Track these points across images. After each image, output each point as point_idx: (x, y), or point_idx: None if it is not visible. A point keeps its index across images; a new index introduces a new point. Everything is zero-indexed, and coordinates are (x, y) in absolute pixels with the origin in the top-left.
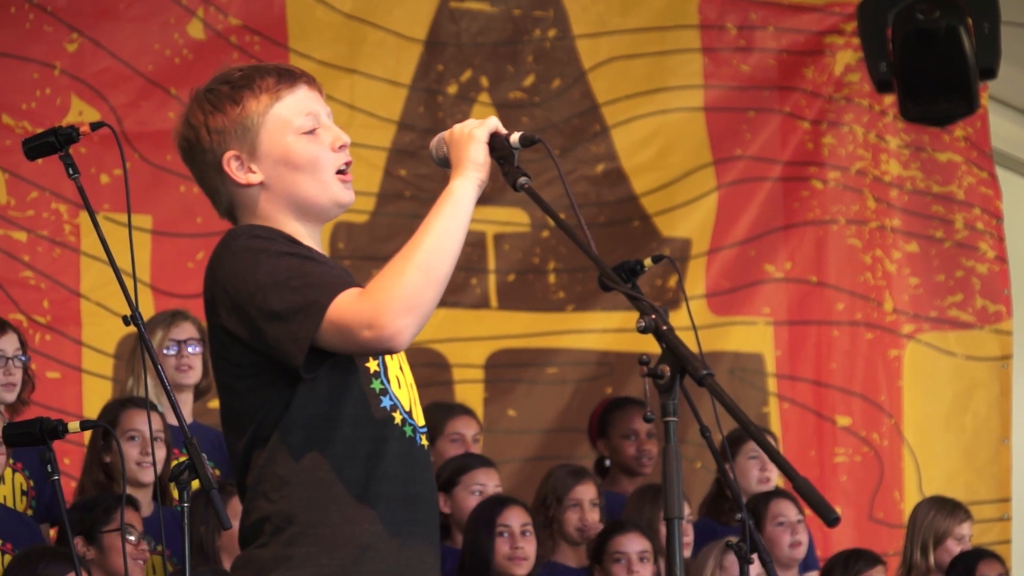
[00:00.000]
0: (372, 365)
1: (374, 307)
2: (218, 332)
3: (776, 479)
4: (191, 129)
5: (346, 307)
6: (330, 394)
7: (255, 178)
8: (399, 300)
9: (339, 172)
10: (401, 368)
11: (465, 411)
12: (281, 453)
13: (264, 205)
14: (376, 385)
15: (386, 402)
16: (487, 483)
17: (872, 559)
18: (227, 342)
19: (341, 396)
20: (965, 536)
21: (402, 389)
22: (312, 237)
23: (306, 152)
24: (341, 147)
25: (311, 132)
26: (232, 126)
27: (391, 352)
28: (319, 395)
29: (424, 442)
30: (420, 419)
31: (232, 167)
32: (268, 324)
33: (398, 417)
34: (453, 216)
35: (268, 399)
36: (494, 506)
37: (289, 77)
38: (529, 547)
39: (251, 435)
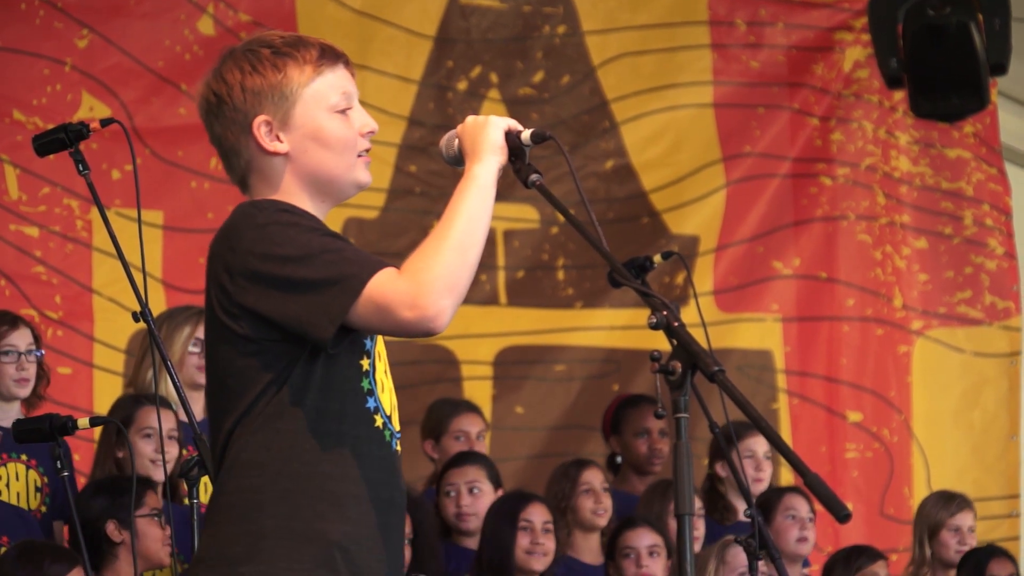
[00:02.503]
0: (364, 364)
1: (417, 287)
2: (230, 306)
3: (768, 480)
4: (224, 85)
5: (386, 285)
6: (323, 385)
7: (281, 147)
8: (441, 280)
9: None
10: (386, 372)
11: (470, 408)
12: (262, 438)
13: (285, 177)
14: (365, 384)
15: (371, 403)
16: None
17: (874, 555)
18: (239, 314)
19: (333, 390)
20: (962, 527)
21: (385, 393)
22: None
23: (338, 131)
24: (368, 133)
25: (344, 112)
26: (269, 90)
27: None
28: (312, 385)
29: (398, 448)
30: (397, 425)
31: (261, 132)
32: (298, 295)
33: (379, 420)
34: (479, 198)
35: (263, 381)
36: (517, 501)
37: (332, 54)
38: (549, 544)
39: (238, 415)
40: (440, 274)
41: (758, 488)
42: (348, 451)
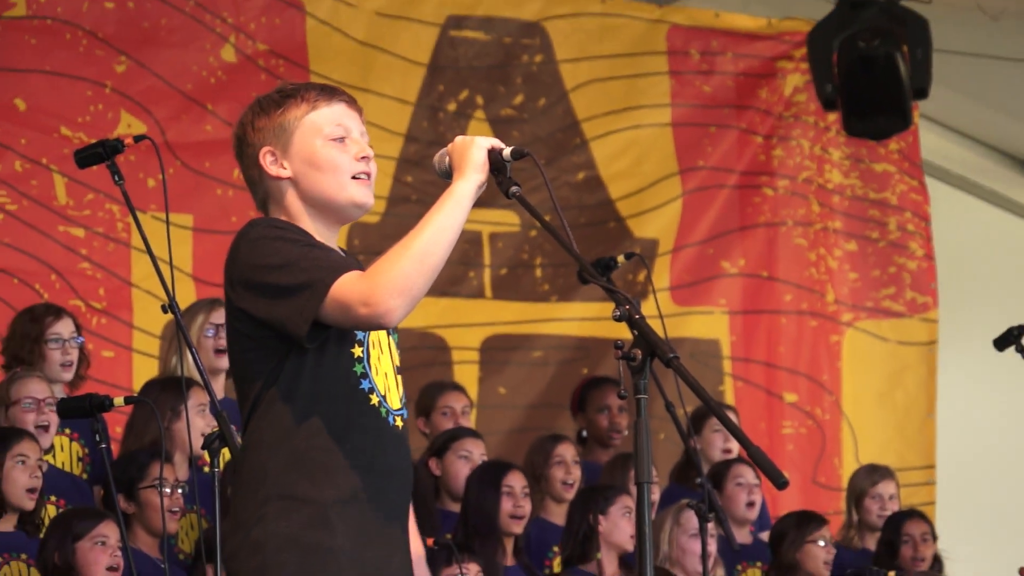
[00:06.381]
0: (356, 351)
1: (371, 288)
2: (234, 309)
3: (737, 449)
4: (241, 127)
5: (347, 286)
6: (315, 374)
7: (285, 173)
8: (393, 283)
9: (357, 178)
10: (380, 359)
11: (455, 387)
12: (267, 420)
13: (291, 199)
14: (358, 369)
15: (365, 385)
16: (473, 450)
17: (821, 521)
18: (240, 317)
19: (326, 376)
20: (882, 495)
21: (379, 376)
22: (329, 237)
23: (328, 156)
24: (363, 158)
25: (339, 140)
26: (272, 126)
27: (384, 328)
28: (305, 373)
29: (398, 423)
30: (395, 403)
31: (266, 160)
32: (278, 300)
33: (374, 399)
34: (451, 213)
35: (262, 372)
36: (498, 469)
37: (328, 93)
38: (527, 507)
39: (251, 403)
40: (393, 277)
41: (727, 457)
42: (341, 427)
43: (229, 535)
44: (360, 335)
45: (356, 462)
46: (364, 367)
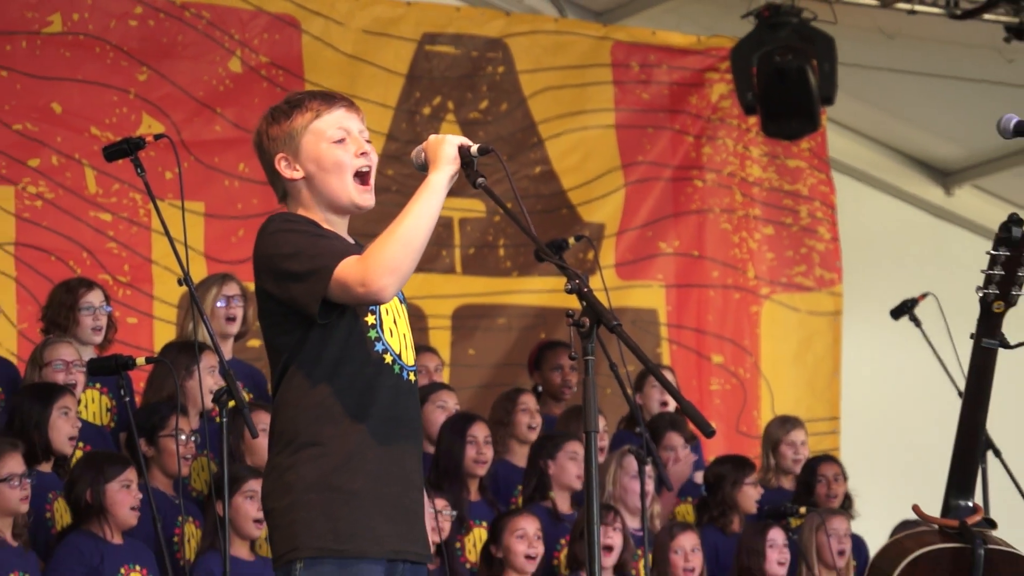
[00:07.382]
0: (370, 319)
1: (365, 269)
2: (260, 293)
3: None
4: (258, 135)
5: (346, 269)
6: (336, 340)
7: (298, 175)
8: (384, 264)
9: (359, 177)
10: (396, 322)
11: (429, 349)
12: (295, 383)
13: (305, 196)
14: (372, 334)
15: (379, 347)
16: (448, 400)
17: (752, 466)
18: (264, 299)
19: (344, 342)
20: (796, 442)
21: (394, 338)
22: (338, 224)
23: (332, 156)
24: (362, 154)
25: (340, 141)
26: (282, 135)
27: (379, 303)
28: (328, 340)
29: (411, 377)
30: (409, 360)
31: (281, 165)
32: (292, 284)
33: (388, 358)
34: (428, 201)
35: (289, 343)
36: (464, 421)
37: (329, 100)
38: (489, 453)
39: (279, 370)
40: (383, 259)
41: (665, 410)
42: (362, 384)
43: (265, 479)
44: (373, 305)
45: (376, 412)
46: (377, 332)
